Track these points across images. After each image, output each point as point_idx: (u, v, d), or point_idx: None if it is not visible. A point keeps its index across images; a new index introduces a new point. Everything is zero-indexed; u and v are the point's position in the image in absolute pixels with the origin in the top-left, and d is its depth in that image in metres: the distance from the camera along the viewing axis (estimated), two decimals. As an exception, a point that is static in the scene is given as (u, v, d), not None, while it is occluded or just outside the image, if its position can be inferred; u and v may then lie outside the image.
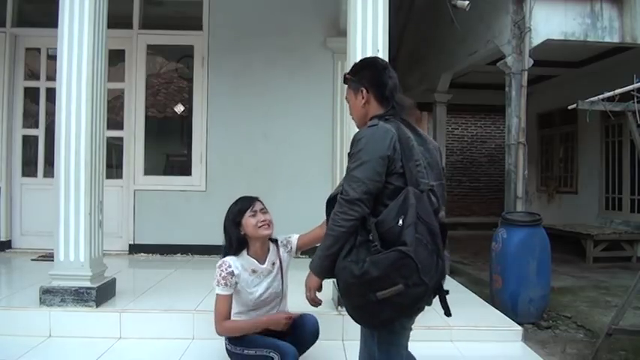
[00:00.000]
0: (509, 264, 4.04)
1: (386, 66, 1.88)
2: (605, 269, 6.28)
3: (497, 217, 4.48)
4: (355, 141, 1.67)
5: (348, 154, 1.72)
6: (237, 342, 2.47)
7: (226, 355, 2.46)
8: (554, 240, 4.76)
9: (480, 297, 4.14)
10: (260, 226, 2.43)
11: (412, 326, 1.80)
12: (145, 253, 5.54)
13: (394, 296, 1.53)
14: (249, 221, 2.43)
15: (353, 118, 1.91)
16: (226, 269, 2.40)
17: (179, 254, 5.54)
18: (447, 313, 1.72)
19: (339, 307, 3.26)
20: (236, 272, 2.42)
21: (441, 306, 1.73)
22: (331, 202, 1.71)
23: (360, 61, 1.99)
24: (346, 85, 1.92)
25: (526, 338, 3.43)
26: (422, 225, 1.57)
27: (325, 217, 1.79)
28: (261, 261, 2.51)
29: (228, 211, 2.49)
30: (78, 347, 3.09)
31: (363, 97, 1.82)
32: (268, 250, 2.55)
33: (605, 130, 7.88)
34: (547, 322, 4.04)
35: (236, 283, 2.43)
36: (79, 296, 3.34)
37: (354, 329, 1.85)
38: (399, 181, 1.63)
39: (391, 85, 1.82)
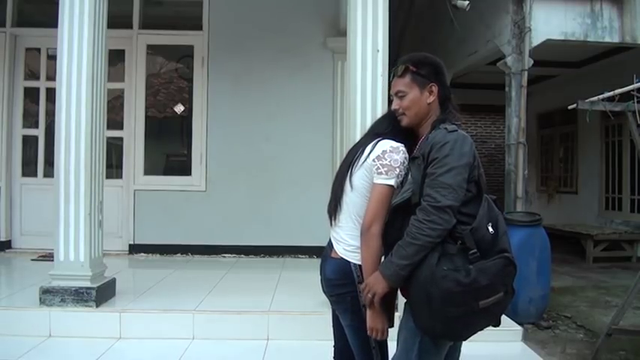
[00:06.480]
0: (510, 264, 4.03)
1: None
2: (605, 269, 6.27)
3: (497, 217, 4.47)
4: (438, 145, 1.54)
5: (427, 158, 1.55)
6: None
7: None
8: (554, 240, 4.76)
9: (480, 297, 4.13)
10: None
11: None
12: (144, 253, 5.53)
13: (492, 305, 1.49)
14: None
15: (402, 114, 1.70)
16: (405, 156, 1.69)
17: (179, 254, 5.54)
18: (498, 323, 1.65)
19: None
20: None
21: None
22: (398, 211, 1.59)
23: (422, 55, 1.74)
24: (395, 78, 1.71)
25: (526, 338, 3.44)
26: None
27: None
28: None
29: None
30: (78, 347, 3.09)
31: (431, 94, 1.67)
32: None
33: (605, 130, 7.87)
34: (547, 322, 4.03)
35: None
36: (79, 296, 3.34)
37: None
38: (474, 189, 1.59)
39: (449, 88, 1.73)
